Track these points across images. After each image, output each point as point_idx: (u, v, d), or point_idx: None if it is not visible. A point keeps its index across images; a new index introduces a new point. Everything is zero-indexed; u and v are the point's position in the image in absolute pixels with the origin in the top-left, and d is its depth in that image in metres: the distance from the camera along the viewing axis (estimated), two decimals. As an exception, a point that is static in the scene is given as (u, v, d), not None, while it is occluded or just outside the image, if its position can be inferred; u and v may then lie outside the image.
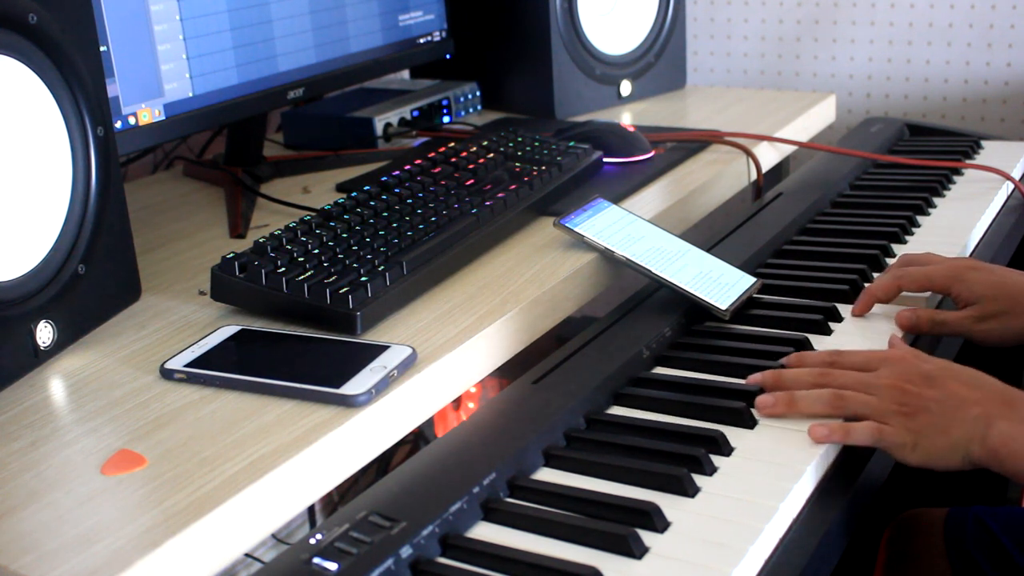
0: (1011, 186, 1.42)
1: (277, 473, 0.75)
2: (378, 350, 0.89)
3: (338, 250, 1.01)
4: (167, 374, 0.88)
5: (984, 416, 0.83)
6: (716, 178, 1.39)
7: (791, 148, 1.59)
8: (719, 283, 1.08)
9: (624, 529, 0.73)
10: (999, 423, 0.83)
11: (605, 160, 1.38)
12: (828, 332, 1.04)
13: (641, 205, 1.27)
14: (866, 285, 1.09)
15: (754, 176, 1.48)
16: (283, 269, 0.97)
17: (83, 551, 0.67)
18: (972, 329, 1.03)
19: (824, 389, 0.89)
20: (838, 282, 1.12)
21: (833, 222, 1.33)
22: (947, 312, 1.05)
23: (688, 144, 1.48)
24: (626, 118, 1.69)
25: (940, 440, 0.84)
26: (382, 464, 1.72)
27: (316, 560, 0.69)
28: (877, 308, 1.07)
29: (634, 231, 1.13)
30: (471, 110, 1.72)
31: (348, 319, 0.93)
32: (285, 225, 1.05)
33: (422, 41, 1.62)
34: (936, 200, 1.39)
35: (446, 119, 1.67)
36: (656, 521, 0.75)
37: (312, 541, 0.71)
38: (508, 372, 1.01)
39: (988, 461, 0.82)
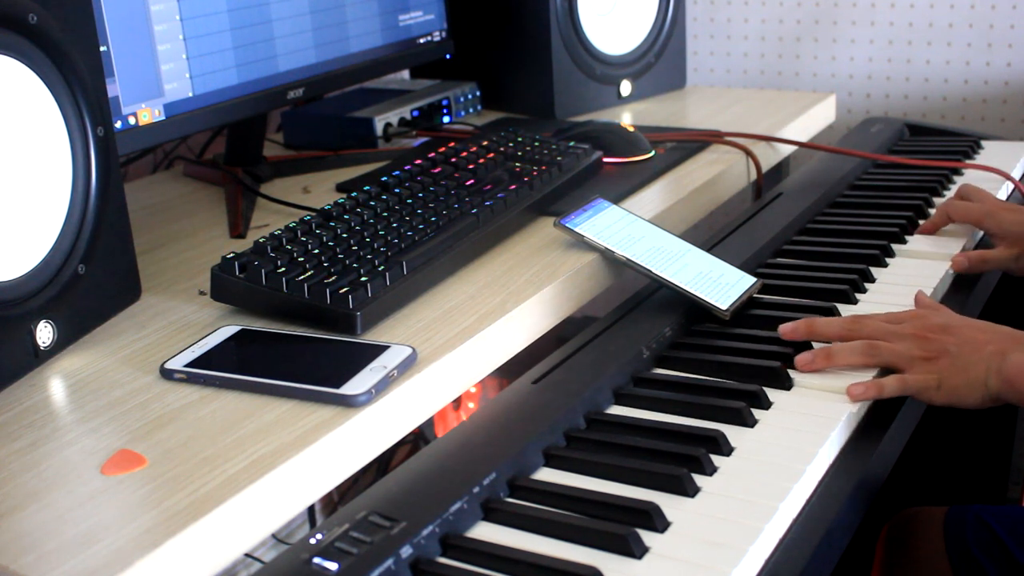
0: (1011, 186, 1.42)
1: (277, 473, 0.75)
2: (378, 350, 0.89)
3: (338, 250, 1.01)
4: (167, 374, 0.88)
5: (998, 351, 0.92)
6: (716, 178, 1.39)
7: (791, 148, 1.59)
8: (719, 283, 1.08)
9: (624, 529, 0.73)
10: (1013, 355, 0.91)
11: (605, 160, 1.38)
12: (828, 332, 1.04)
13: (641, 205, 1.27)
14: (921, 222, 1.30)
15: (754, 176, 1.48)
16: (283, 269, 0.97)
17: (83, 551, 0.67)
18: (1011, 265, 1.19)
19: (858, 341, 0.97)
20: (838, 282, 1.13)
21: (833, 222, 1.33)
22: (991, 251, 1.21)
23: (688, 144, 1.48)
24: (626, 118, 1.69)
25: (960, 378, 0.92)
26: (382, 464, 1.72)
27: (316, 560, 0.69)
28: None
29: (634, 231, 1.13)
30: (471, 110, 1.72)
31: (348, 319, 0.93)
32: (285, 225, 1.05)
33: (422, 41, 1.62)
34: (936, 200, 1.39)
35: (446, 119, 1.67)
36: (656, 521, 0.75)
37: (312, 541, 0.71)
38: (508, 372, 1.01)
39: (1005, 391, 0.91)
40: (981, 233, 1.29)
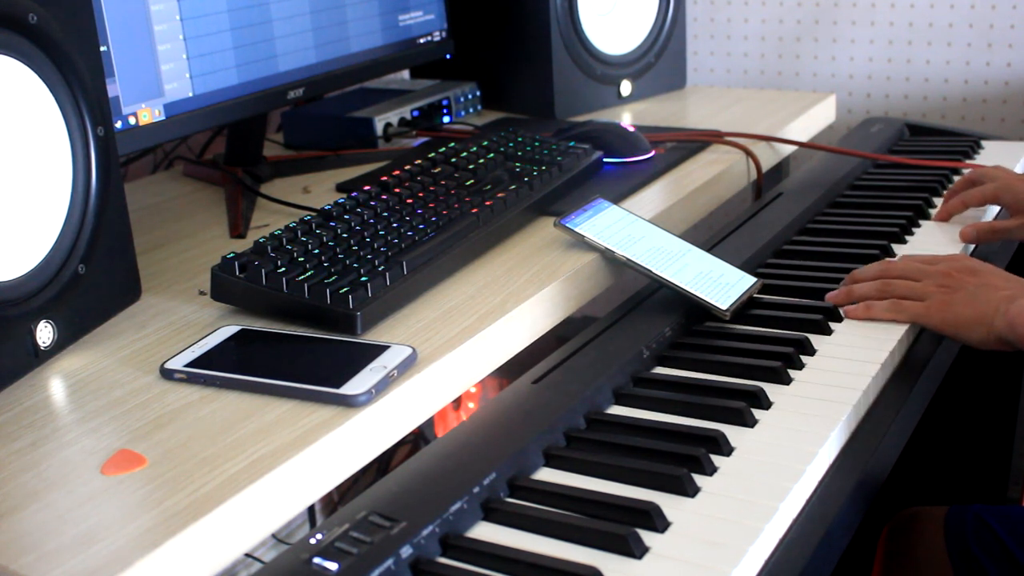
0: (1011, 186, 1.42)
1: (277, 473, 0.75)
2: (378, 350, 0.89)
3: (338, 250, 1.01)
4: (167, 374, 0.88)
5: (1009, 297, 0.97)
6: (716, 178, 1.39)
7: (791, 148, 1.59)
8: (719, 283, 1.08)
9: (624, 529, 0.73)
10: (1021, 299, 0.96)
11: (605, 160, 1.38)
12: (828, 332, 1.04)
13: (641, 205, 1.27)
14: (932, 210, 1.34)
15: (754, 176, 1.48)
16: (283, 269, 0.97)
17: (83, 551, 0.67)
18: (1019, 235, 1.22)
19: (877, 280, 1.06)
20: (838, 282, 1.13)
21: (833, 222, 1.33)
22: (1001, 221, 1.24)
23: (688, 144, 1.48)
24: (626, 118, 1.69)
25: (967, 310, 0.99)
26: (382, 464, 1.72)
27: (316, 560, 0.69)
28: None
29: (634, 231, 1.13)
30: (471, 110, 1.72)
31: (348, 319, 0.93)
32: (285, 225, 1.05)
33: (422, 41, 1.62)
34: (936, 200, 1.39)
35: (446, 119, 1.67)
36: (656, 521, 0.75)
37: (312, 541, 0.71)
38: (508, 372, 1.01)
39: (1007, 333, 0.95)
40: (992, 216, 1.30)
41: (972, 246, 1.26)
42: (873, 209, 1.36)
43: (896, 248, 1.24)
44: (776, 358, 0.97)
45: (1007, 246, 1.33)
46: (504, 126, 1.55)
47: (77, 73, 0.91)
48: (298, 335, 0.94)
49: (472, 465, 0.80)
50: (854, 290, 1.07)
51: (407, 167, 1.23)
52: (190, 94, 1.24)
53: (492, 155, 1.29)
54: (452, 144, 1.33)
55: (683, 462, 0.82)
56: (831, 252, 1.22)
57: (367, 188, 1.16)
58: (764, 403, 0.91)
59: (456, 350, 0.91)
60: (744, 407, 0.89)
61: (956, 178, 1.47)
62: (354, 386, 0.83)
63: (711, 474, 0.81)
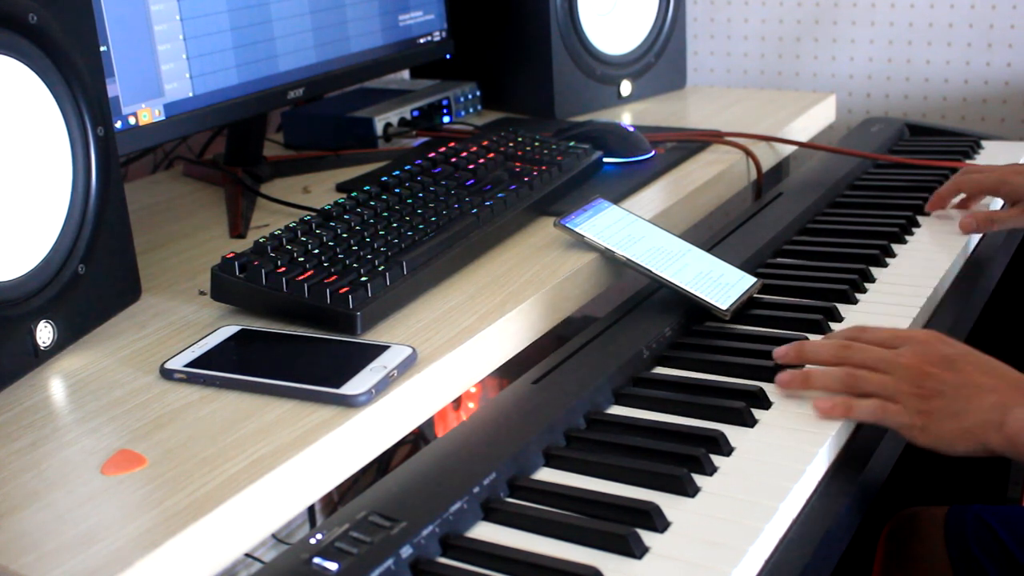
0: (1011, 186, 1.42)
1: (277, 473, 0.75)
2: (378, 350, 0.89)
3: (338, 250, 1.01)
4: (167, 374, 0.88)
5: (1000, 404, 0.83)
6: (716, 178, 1.39)
7: (791, 148, 1.59)
8: (719, 283, 1.08)
9: (624, 529, 0.73)
10: (1016, 410, 0.82)
11: (605, 160, 1.38)
12: (828, 332, 1.04)
13: (641, 205, 1.27)
14: (935, 192, 1.32)
15: (754, 176, 1.48)
16: (283, 269, 0.97)
17: (83, 551, 0.67)
18: (1020, 223, 1.21)
19: (840, 368, 0.90)
20: (838, 282, 1.13)
21: (833, 222, 1.33)
22: (999, 211, 1.25)
23: (688, 144, 1.48)
24: (626, 118, 1.69)
25: (952, 425, 0.84)
26: (382, 464, 1.72)
27: (316, 560, 0.69)
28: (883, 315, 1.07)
29: (634, 231, 1.13)
30: (471, 110, 1.72)
31: (348, 319, 0.93)
32: (285, 225, 1.05)
33: (422, 41, 1.62)
34: (936, 200, 1.39)
35: (446, 119, 1.67)
36: (656, 521, 0.75)
37: (312, 541, 0.71)
38: (508, 372, 1.01)
39: (1006, 449, 0.83)
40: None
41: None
42: (873, 209, 1.36)
43: (896, 248, 1.24)
44: (776, 358, 0.97)
45: (1008, 245, 1.33)
46: (504, 126, 1.55)
47: (77, 73, 0.91)
48: (298, 335, 0.94)
49: (472, 465, 0.80)
50: (812, 379, 0.91)
51: (407, 167, 1.23)
52: (190, 94, 1.24)
53: (492, 155, 1.29)
54: (452, 144, 1.33)
55: (683, 462, 0.82)
56: (831, 252, 1.22)
57: (367, 188, 1.16)
58: (764, 403, 0.91)
59: (456, 350, 0.91)
60: (744, 407, 0.89)
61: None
62: (354, 386, 0.83)
63: (711, 474, 0.81)
